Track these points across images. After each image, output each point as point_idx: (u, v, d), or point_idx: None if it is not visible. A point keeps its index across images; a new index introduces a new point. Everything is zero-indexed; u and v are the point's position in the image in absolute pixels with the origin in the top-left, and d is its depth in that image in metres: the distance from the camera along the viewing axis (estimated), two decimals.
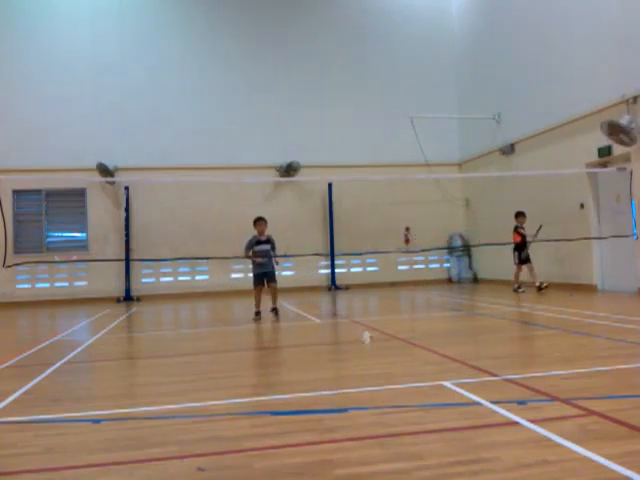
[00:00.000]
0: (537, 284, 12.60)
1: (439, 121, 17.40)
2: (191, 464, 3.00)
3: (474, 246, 17.24)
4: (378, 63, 18.11)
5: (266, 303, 9.97)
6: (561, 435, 3.14)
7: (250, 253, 9.82)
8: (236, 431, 3.53)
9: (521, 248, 12.86)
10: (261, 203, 17.04)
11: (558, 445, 3.02)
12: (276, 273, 9.92)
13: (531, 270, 12.78)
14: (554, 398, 3.91)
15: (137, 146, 16.55)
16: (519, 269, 13.03)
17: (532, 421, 3.40)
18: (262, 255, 9.67)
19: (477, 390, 4.18)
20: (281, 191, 17.44)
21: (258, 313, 9.71)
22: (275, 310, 9.91)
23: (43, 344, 7.81)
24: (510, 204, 15.31)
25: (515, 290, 13.00)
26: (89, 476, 2.97)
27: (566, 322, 7.72)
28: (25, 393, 4.80)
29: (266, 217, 9.90)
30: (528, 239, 12.78)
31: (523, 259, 12.85)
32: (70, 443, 3.46)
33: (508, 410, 3.65)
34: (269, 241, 9.81)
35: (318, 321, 9.54)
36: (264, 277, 9.73)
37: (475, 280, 17.65)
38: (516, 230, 12.97)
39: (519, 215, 13.04)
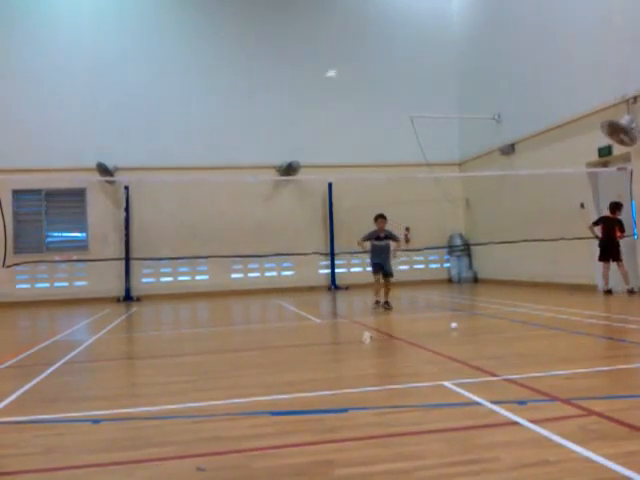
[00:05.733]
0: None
1: (439, 121, 17.37)
2: (191, 464, 2.99)
3: (476, 245, 17.22)
4: (378, 63, 18.10)
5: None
6: (561, 435, 3.13)
7: (367, 245, 10.53)
8: (236, 431, 3.53)
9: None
10: (261, 203, 17.06)
11: (558, 445, 3.01)
12: (392, 269, 10.65)
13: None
14: (554, 398, 3.91)
15: (137, 146, 16.54)
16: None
17: (532, 421, 3.39)
18: (379, 250, 10.47)
19: (477, 390, 4.17)
20: (281, 191, 17.43)
21: (377, 302, 10.49)
22: (387, 303, 10.38)
23: (43, 344, 7.80)
24: (510, 204, 15.33)
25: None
26: (89, 476, 2.96)
27: (566, 322, 7.71)
28: (25, 393, 4.79)
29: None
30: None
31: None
32: (70, 443, 3.45)
33: (508, 410, 3.64)
34: (387, 237, 10.48)
35: (318, 321, 9.53)
36: (380, 267, 10.44)
37: (475, 280, 17.64)
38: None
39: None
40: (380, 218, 10.51)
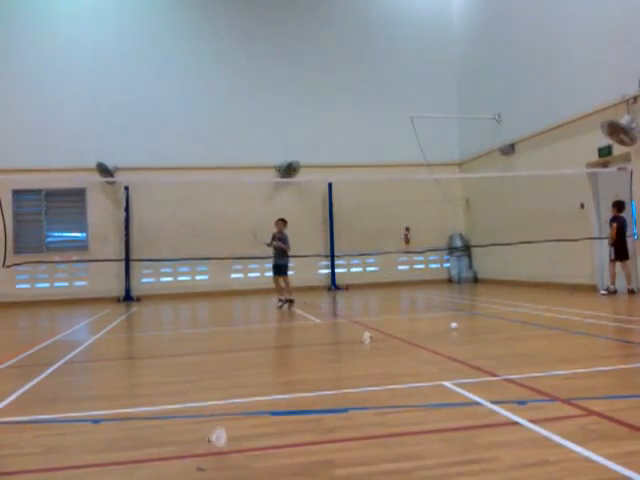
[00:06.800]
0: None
1: (439, 121, 17.38)
2: (191, 464, 2.99)
3: (476, 247, 17.22)
4: (379, 63, 18.11)
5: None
6: (561, 435, 3.14)
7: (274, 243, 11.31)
8: (236, 431, 3.52)
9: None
10: (261, 203, 17.05)
11: (558, 445, 3.02)
12: (287, 265, 11.37)
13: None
14: (554, 398, 3.91)
15: (137, 146, 16.54)
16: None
17: (532, 421, 3.40)
18: (274, 249, 11.30)
19: (477, 390, 4.18)
20: (281, 191, 17.43)
21: (280, 300, 11.25)
22: (287, 301, 11.03)
23: (43, 344, 7.81)
24: (510, 204, 15.34)
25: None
26: (89, 476, 2.96)
27: (566, 322, 7.72)
28: (25, 393, 4.79)
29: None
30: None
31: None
32: (70, 443, 3.46)
33: (508, 410, 3.65)
34: (280, 239, 11.21)
35: (318, 321, 9.53)
36: (276, 268, 11.31)
37: (475, 280, 17.64)
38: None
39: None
40: (279, 221, 11.31)
